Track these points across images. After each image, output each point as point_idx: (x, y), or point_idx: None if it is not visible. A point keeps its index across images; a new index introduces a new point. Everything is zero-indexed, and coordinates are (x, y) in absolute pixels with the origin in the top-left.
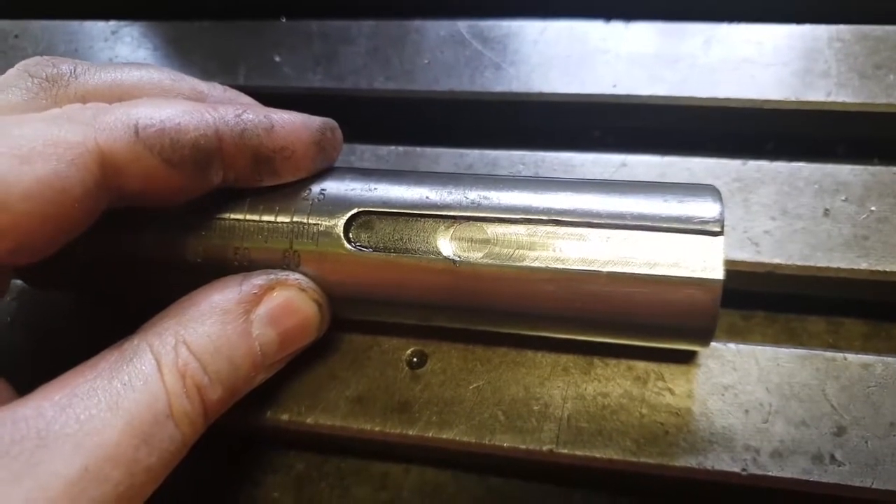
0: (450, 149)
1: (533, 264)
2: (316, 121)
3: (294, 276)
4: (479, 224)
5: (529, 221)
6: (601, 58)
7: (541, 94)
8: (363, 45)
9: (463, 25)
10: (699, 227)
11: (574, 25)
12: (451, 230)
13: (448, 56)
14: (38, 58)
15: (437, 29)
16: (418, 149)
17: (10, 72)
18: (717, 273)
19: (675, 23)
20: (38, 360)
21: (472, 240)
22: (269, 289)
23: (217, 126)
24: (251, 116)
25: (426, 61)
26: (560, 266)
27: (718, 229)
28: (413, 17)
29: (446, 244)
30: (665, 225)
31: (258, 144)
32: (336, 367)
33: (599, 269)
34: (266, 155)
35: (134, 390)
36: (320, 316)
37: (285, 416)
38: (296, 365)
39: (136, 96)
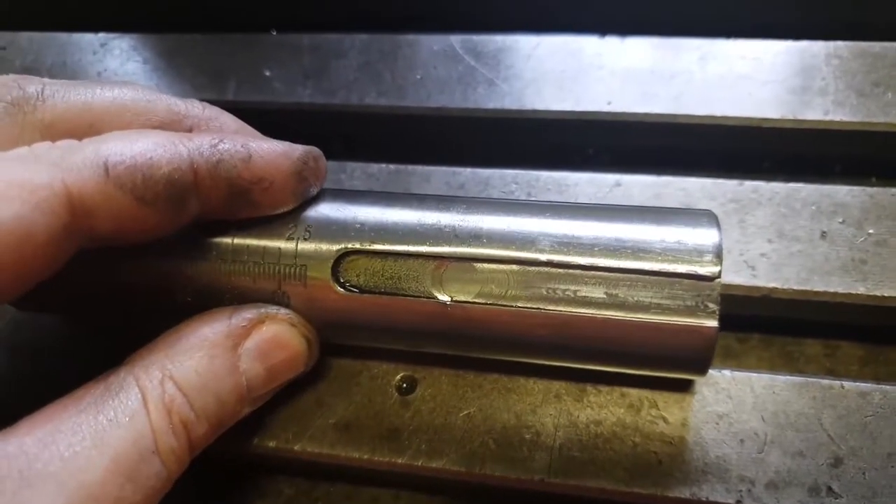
0: (442, 167)
1: (525, 306)
2: (297, 150)
3: (284, 311)
4: (470, 264)
5: (522, 262)
6: (595, 74)
7: (534, 112)
8: (355, 60)
9: (456, 40)
10: (696, 269)
11: (568, 40)
12: (442, 271)
13: (440, 71)
14: (3, 77)
15: (430, 43)
16: (409, 167)
17: None
18: (712, 321)
19: (670, 38)
20: (22, 384)
21: (463, 280)
22: (258, 322)
23: (192, 158)
24: (227, 146)
25: (418, 76)
26: (553, 309)
27: (716, 272)
28: (406, 32)
29: (437, 285)
30: (661, 267)
31: (235, 176)
32: (324, 393)
33: (594, 313)
34: (243, 187)
35: (119, 426)
36: (309, 351)
37: (272, 444)
38: (283, 390)
39: (107, 121)
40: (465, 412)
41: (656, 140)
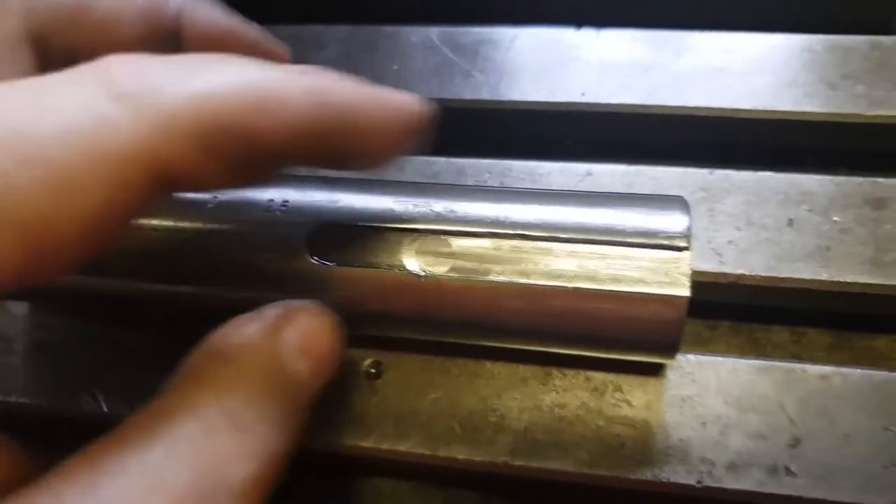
0: (416, 156)
1: (498, 279)
2: (412, 105)
3: (305, 302)
4: (444, 238)
5: (495, 235)
6: (571, 66)
7: (511, 102)
8: (334, 51)
9: (434, 32)
10: (665, 241)
11: (545, 33)
12: (416, 244)
13: (418, 62)
14: None
15: (409, 35)
16: None
17: None
18: (683, 290)
19: (646, 30)
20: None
21: (437, 253)
22: (289, 315)
23: (293, 116)
24: (339, 99)
25: (396, 67)
26: (525, 281)
27: (685, 244)
28: (388, 23)
29: (411, 258)
30: (631, 240)
31: (341, 133)
32: None
33: (565, 284)
34: (343, 148)
35: (177, 460)
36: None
37: None
38: None
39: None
40: (432, 396)
41: (631, 131)
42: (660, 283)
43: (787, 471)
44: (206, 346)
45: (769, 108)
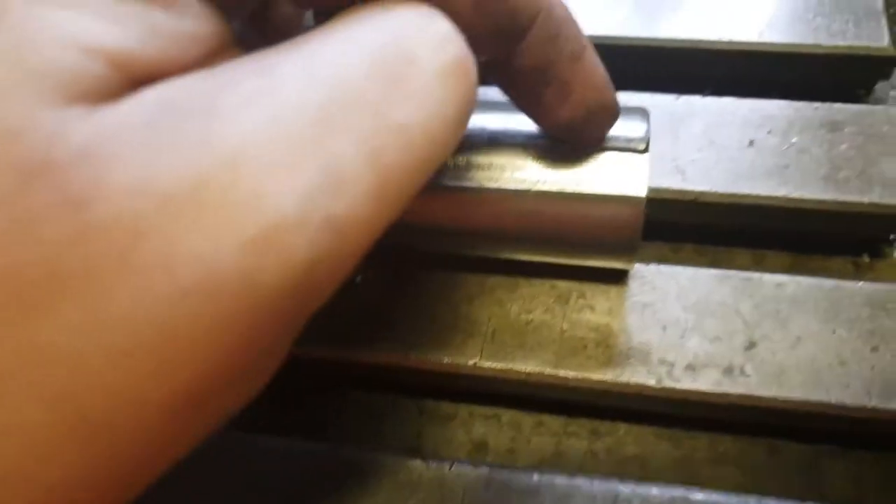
0: None
1: (464, 184)
2: (612, 94)
3: None
4: None
5: (462, 145)
6: None
7: None
8: None
9: None
10: (624, 144)
11: None
12: None
13: None
14: None
15: None
16: None
17: None
18: (641, 190)
19: None
20: None
21: None
22: None
23: (542, 8)
24: (571, 34)
25: None
26: (492, 185)
27: (643, 147)
28: None
29: None
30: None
31: (553, 61)
32: None
33: (528, 188)
34: (547, 77)
35: (370, 31)
36: None
37: None
38: None
39: None
40: (405, 303)
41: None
42: (618, 184)
43: (742, 371)
44: None
45: (731, 39)
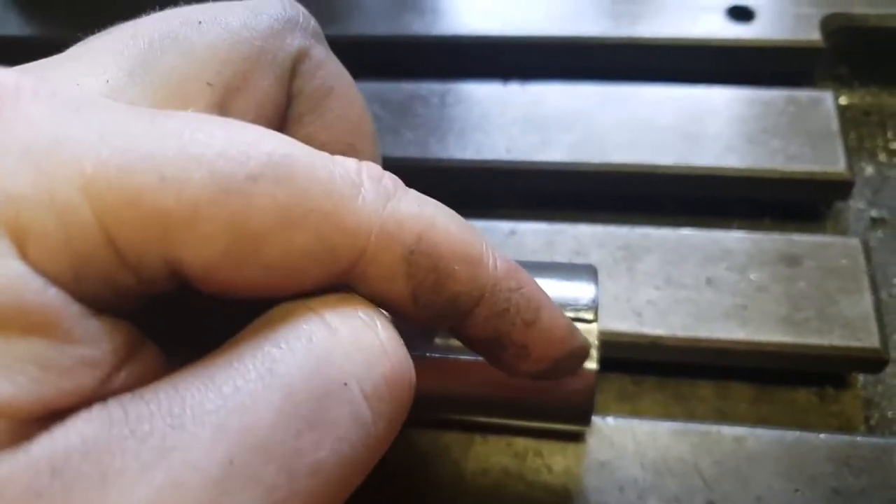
0: None
1: (412, 353)
2: (578, 340)
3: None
4: None
5: None
6: (497, 121)
7: (437, 161)
8: None
9: (364, 88)
10: (573, 314)
11: (472, 88)
12: None
13: None
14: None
15: None
16: None
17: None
18: (591, 363)
19: (571, 83)
20: None
21: None
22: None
23: (487, 289)
24: (522, 300)
25: None
26: (438, 356)
27: (592, 317)
28: None
29: None
30: None
31: (505, 332)
32: None
33: (477, 357)
34: (503, 343)
35: (293, 353)
36: None
37: None
38: None
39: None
40: None
41: (554, 186)
42: None
43: None
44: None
45: (690, 163)
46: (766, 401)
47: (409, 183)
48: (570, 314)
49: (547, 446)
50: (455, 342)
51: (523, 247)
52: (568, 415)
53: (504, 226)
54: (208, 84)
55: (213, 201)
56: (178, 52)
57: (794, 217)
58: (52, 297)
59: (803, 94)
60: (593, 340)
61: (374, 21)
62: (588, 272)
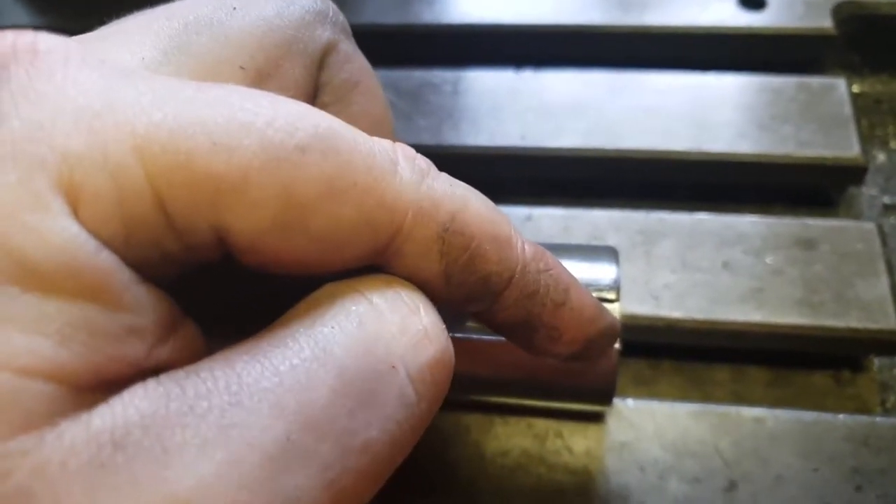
0: None
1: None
2: (607, 319)
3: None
4: None
5: None
6: (510, 108)
7: (452, 147)
8: None
9: (377, 75)
10: (595, 293)
11: (485, 75)
12: None
13: None
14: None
15: None
16: None
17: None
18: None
19: (583, 71)
20: None
21: None
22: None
23: (516, 270)
24: (552, 280)
25: None
26: (461, 335)
27: (614, 297)
28: None
29: None
30: None
31: (535, 314)
32: None
33: (500, 338)
34: (533, 325)
35: (345, 334)
36: None
37: None
38: None
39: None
40: None
41: (568, 172)
42: None
43: None
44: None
45: (702, 149)
46: (782, 384)
47: None
48: (593, 294)
49: (567, 427)
50: (479, 324)
51: (540, 232)
52: (591, 394)
53: (520, 211)
54: (241, 68)
55: (263, 169)
56: (212, 36)
57: (806, 203)
58: (104, 260)
59: (815, 80)
60: (616, 311)
61: (385, 10)
62: (609, 253)
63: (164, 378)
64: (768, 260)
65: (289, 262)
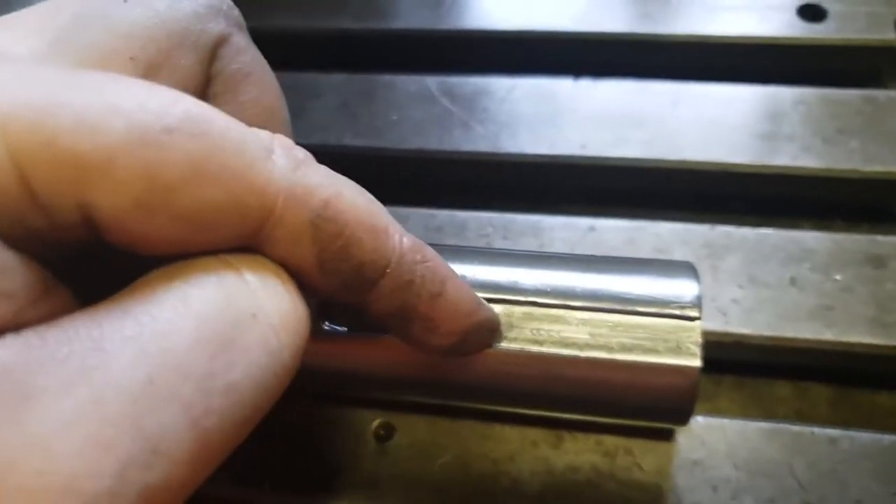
0: (419, 209)
1: (509, 346)
2: (486, 312)
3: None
4: None
5: (506, 301)
6: (569, 117)
7: (509, 155)
8: (331, 100)
9: (432, 82)
10: (677, 311)
11: (542, 83)
12: None
13: (417, 113)
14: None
15: (407, 84)
16: (387, 208)
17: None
18: (695, 360)
19: (643, 81)
20: None
21: None
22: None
23: (391, 260)
24: (427, 273)
25: (395, 118)
26: (537, 349)
27: (696, 315)
28: (383, 72)
29: None
30: (643, 308)
31: (411, 305)
32: (301, 440)
33: (577, 353)
34: (409, 316)
35: (203, 286)
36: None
37: (248, 490)
38: (258, 438)
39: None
40: (442, 460)
41: (629, 183)
42: (671, 353)
43: None
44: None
45: (766, 163)
46: (846, 403)
47: (481, 177)
48: (675, 311)
49: (637, 444)
50: (544, 335)
51: (603, 244)
52: (669, 414)
53: (582, 222)
54: (131, 59)
55: (128, 149)
56: (101, 28)
57: (867, 219)
58: None
59: (881, 93)
60: (697, 338)
61: (436, 16)
62: (688, 269)
63: (25, 331)
64: (837, 277)
65: (157, 242)
